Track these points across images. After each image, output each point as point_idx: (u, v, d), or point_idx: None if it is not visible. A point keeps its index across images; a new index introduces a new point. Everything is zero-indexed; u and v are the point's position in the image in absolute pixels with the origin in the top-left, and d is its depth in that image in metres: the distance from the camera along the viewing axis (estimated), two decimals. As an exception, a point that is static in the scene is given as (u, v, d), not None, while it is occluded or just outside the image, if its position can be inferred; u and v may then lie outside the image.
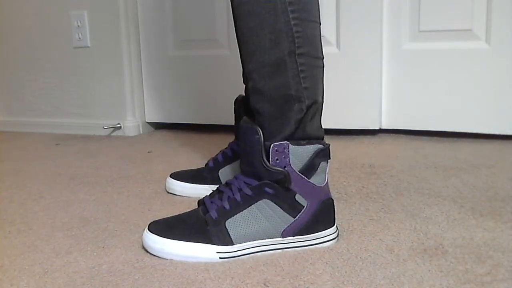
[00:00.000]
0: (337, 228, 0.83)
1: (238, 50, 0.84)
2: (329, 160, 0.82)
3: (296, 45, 0.78)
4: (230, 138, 1.54)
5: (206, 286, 0.70)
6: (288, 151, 0.78)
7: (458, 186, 1.06)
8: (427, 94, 1.51)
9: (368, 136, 1.57)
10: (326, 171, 0.82)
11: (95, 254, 0.83)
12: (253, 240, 0.79)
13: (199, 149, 1.53)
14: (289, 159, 0.78)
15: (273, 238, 0.80)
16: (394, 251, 0.78)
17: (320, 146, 0.80)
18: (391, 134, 1.58)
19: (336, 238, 0.83)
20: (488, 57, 1.44)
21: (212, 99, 1.77)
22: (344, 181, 1.14)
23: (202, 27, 1.75)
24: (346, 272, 0.72)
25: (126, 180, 1.25)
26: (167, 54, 1.82)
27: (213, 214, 0.79)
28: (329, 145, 0.82)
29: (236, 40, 0.87)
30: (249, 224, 0.78)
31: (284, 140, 0.78)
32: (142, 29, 1.84)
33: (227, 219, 0.78)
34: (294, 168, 0.78)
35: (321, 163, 0.80)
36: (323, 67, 0.83)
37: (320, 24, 0.81)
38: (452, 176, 1.14)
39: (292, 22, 0.77)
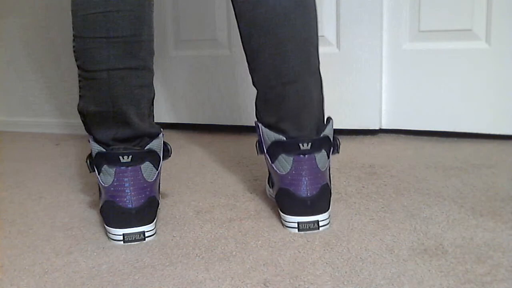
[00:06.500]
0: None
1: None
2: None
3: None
4: (230, 138, 1.54)
5: (206, 286, 0.70)
6: None
7: (458, 186, 1.07)
8: (427, 94, 1.51)
9: (368, 136, 1.57)
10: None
11: (95, 254, 0.83)
12: None
13: (199, 149, 1.53)
14: None
15: None
16: (394, 251, 0.78)
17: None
18: (391, 134, 1.58)
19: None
20: (488, 57, 1.44)
21: (212, 99, 1.77)
22: (344, 181, 1.14)
23: (202, 27, 1.75)
24: (346, 272, 0.72)
25: (126, 180, 1.25)
26: (167, 54, 1.82)
27: None
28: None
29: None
30: None
31: None
32: (142, 29, 1.83)
33: None
34: None
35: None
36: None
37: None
38: (452, 176, 1.14)
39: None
